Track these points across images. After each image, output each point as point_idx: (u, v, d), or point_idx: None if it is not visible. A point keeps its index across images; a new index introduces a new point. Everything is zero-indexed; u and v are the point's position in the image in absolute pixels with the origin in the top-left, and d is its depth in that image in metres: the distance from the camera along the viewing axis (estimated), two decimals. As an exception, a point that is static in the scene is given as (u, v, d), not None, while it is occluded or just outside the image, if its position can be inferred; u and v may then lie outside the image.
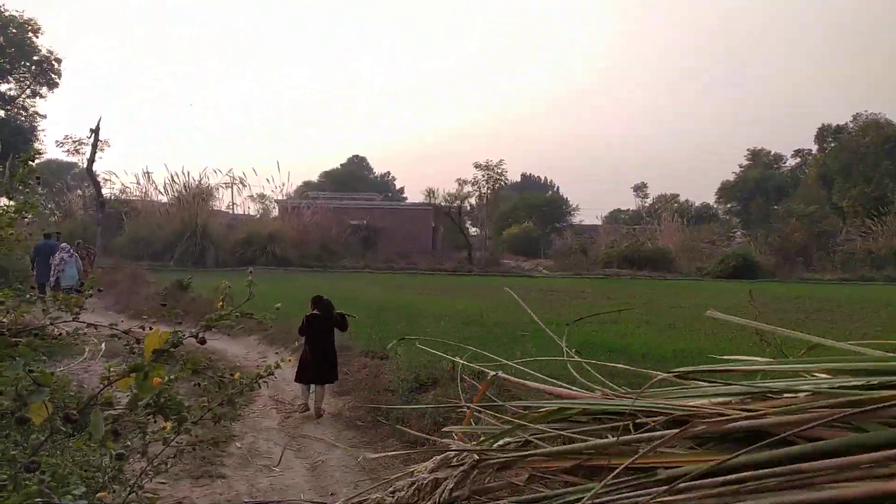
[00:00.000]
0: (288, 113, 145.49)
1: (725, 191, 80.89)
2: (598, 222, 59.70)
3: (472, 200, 35.63)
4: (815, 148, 68.07)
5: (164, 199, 33.27)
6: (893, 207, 46.62)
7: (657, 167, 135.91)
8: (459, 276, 28.77)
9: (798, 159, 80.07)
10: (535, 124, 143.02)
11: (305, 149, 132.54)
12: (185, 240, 28.86)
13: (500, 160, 32.58)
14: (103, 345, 8.70)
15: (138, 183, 33.66)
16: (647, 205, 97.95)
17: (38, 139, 41.16)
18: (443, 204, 34.73)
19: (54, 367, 7.66)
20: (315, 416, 5.88)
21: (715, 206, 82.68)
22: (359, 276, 26.12)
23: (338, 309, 6.90)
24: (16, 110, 41.06)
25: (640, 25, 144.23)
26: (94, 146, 29.07)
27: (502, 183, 33.75)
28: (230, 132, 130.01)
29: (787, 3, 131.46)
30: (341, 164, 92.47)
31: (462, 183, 33.38)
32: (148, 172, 33.18)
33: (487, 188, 32.86)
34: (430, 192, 34.23)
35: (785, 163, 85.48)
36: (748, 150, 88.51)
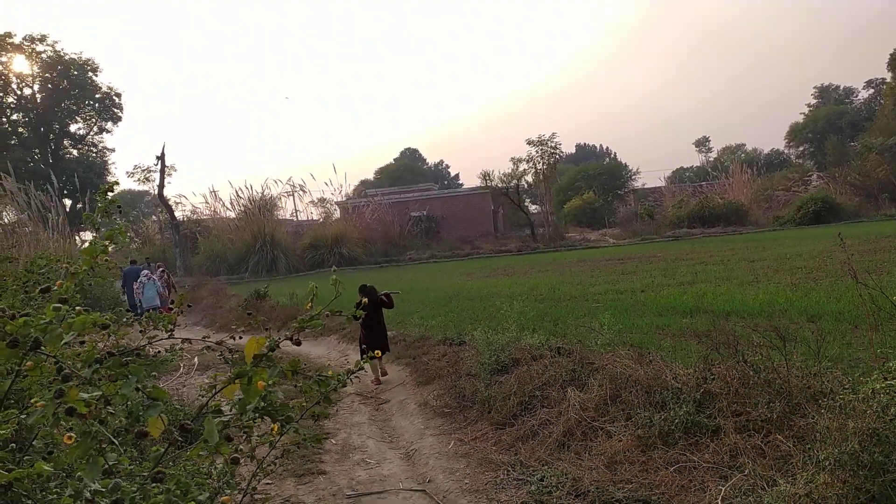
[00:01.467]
0: (338, 112, 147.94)
1: (795, 133, 76.68)
2: (662, 184, 57.84)
3: (529, 178, 35.06)
4: (888, 76, 63.39)
5: (233, 214, 34.59)
6: None
7: (719, 120, 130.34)
8: (525, 254, 28.55)
9: (871, 90, 74.91)
10: (583, 92, 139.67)
11: (359, 148, 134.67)
12: (256, 251, 29.91)
13: (553, 133, 31.96)
14: (196, 359, 9.19)
15: (207, 202, 35.15)
16: (711, 159, 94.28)
17: (110, 172, 43.59)
18: (499, 185, 34.41)
19: (156, 383, 8.09)
20: (382, 377, 7.21)
21: (786, 150, 78.60)
22: (425, 267, 26.36)
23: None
24: (86, 148, 43.48)
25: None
26: (162, 172, 30.51)
27: (557, 156, 33.02)
28: (285, 141, 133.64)
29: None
30: (395, 159, 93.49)
31: (517, 161, 32.93)
32: (214, 191, 34.64)
33: (543, 163, 32.25)
34: (486, 175, 33.94)
35: (857, 96, 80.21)
36: (815, 87, 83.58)
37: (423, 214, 38.22)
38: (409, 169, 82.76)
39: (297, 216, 39.87)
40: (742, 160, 60.47)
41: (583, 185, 52.62)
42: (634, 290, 11.67)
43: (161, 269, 19.17)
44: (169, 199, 33.22)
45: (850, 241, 17.51)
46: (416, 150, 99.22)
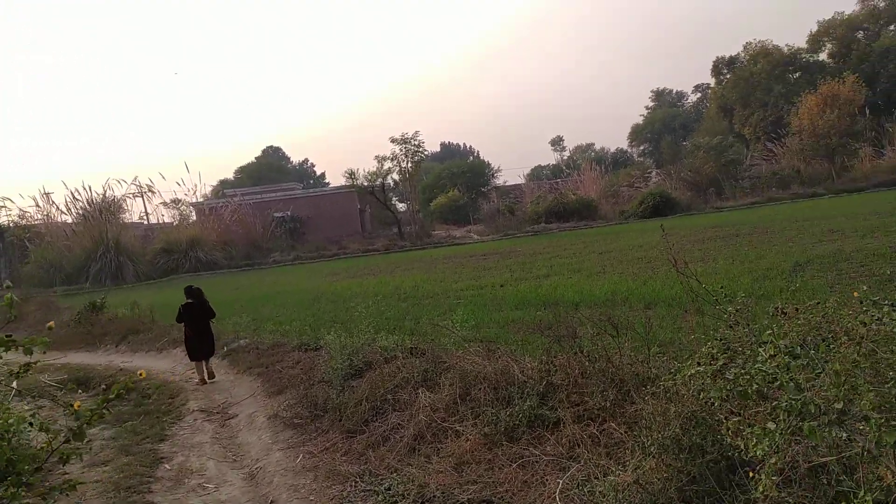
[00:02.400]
0: (189, 104, 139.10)
1: (636, 133, 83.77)
2: (522, 181, 60.58)
3: (395, 176, 35.11)
4: (712, 81, 71.14)
5: (69, 218, 31.18)
6: (790, 129, 49.47)
7: (571, 121, 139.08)
8: (392, 253, 28.52)
9: (699, 94, 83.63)
10: (447, 93, 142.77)
11: (216, 146, 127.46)
12: (98, 258, 27.23)
13: (416, 132, 32.19)
14: (15, 383, 8.09)
15: (37, 205, 31.37)
16: (565, 157, 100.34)
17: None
18: (365, 184, 34.09)
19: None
20: (208, 379, 7.35)
21: (629, 149, 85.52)
22: (290, 269, 25.45)
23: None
24: None
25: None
26: (-22, 172, 26.77)
27: (421, 154, 33.33)
28: (126, 136, 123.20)
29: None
30: (256, 158, 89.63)
31: (381, 160, 32.79)
32: (47, 193, 30.89)
33: (408, 161, 32.40)
34: (351, 174, 33.47)
35: (687, 99, 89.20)
36: (652, 91, 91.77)
37: (287, 215, 36.94)
38: (272, 167, 79.82)
39: (147, 219, 36.87)
40: (592, 158, 65.01)
41: (448, 183, 53.71)
42: (494, 284, 11.99)
43: None
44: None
45: (682, 231, 19.35)
46: (279, 149, 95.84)
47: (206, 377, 7.36)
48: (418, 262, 20.23)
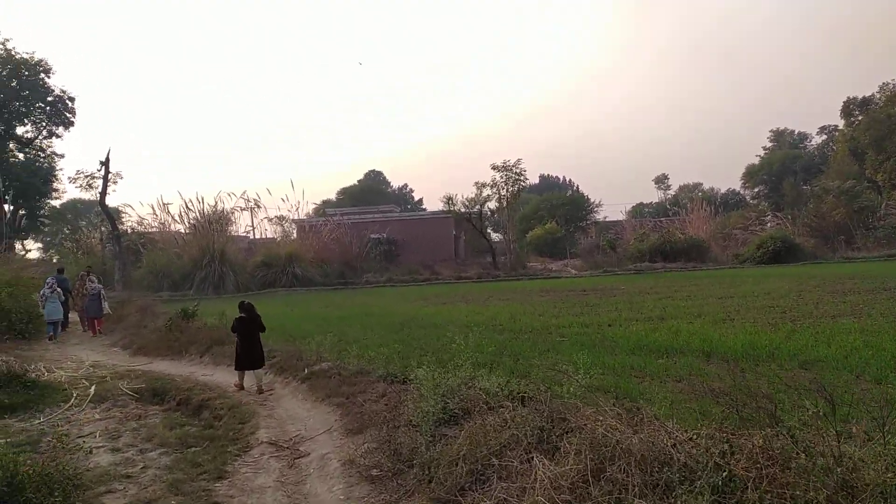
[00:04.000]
0: (302, 130, 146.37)
1: (751, 174, 78.65)
2: (622, 217, 58.20)
3: (492, 204, 34.39)
4: (841, 123, 65.71)
5: (182, 227, 32.72)
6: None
7: (677, 158, 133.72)
8: (485, 282, 27.62)
9: (824, 136, 77.60)
10: (547, 124, 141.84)
11: (322, 167, 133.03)
12: (203, 266, 28.19)
13: (518, 160, 31.31)
14: (93, 388, 7.81)
15: (155, 214, 33.18)
16: (669, 196, 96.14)
17: (57, 179, 41.18)
18: (462, 210, 33.57)
19: (32, 418, 6.79)
20: (258, 392, 7.56)
21: (741, 191, 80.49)
22: (381, 291, 25.13)
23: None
24: (34, 152, 41.03)
25: (646, 14, 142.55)
26: (105, 179, 28.62)
27: (522, 183, 32.40)
28: (243, 154, 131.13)
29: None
30: (358, 181, 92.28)
31: (481, 186, 32.16)
32: (164, 203, 32.62)
33: (507, 189, 31.56)
34: (449, 199, 33.07)
35: (810, 141, 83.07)
36: (771, 131, 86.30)
37: (383, 237, 37.04)
38: (372, 190, 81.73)
39: (252, 233, 38.19)
40: (700, 198, 61.50)
41: (546, 215, 52.43)
42: (601, 323, 10.75)
43: (91, 278, 17.49)
44: (111, 208, 31.24)
45: (814, 281, 17.14)
46: (380, 173, 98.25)
47: (252, 386, 7.72)
48: (513, 293, 19.18)
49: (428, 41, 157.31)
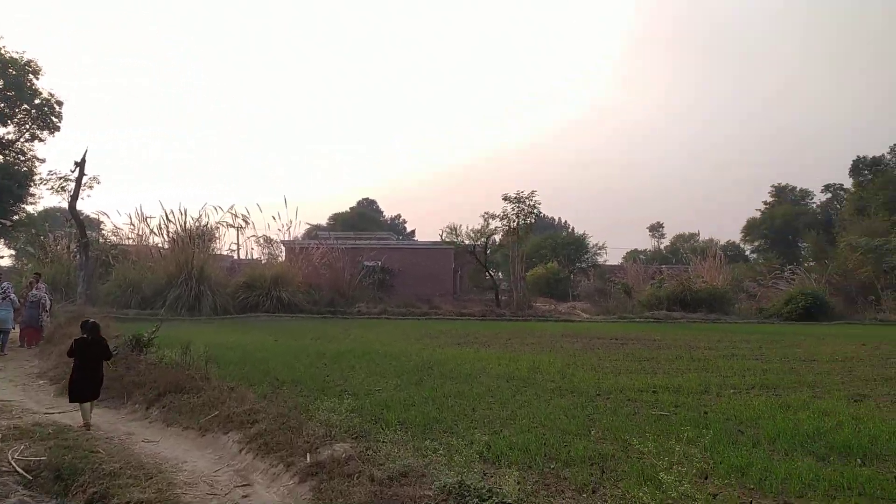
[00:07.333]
0: (296, 151, 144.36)
1: (752, 228, 77.48)
2: (619, 262, 56.29)
3: (497, 237, 32.03)
4: (847, 182, 64.81)
5: (160, 241, 29.81)
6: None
7: (670, 206, 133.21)
8: (490, 321, 24.97)
9: (829, 194, 76.77)
10: (540, 166, 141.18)
11: (314, 192, 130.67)
12: (178, 284, 25.29)
13: (533, 191, 29.04)
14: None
15: (132, 224, 30.26)
16: (664, 245, 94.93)
17: (35, 184, 38.39)
18: (466, 242, 31.10)
19: None
20: (85, 429, 6.42)
21: (741, 244, 79.19)
22: (378, 323, 22.36)
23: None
24: (14, 155, 38.32)
25: (646, 52, 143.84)
26: (79, 182, 25.76)
27: (535, 216, 30.09)
28: (233, 169, 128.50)
29: (799, 30, 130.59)
30: (351, 208, 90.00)
31: (488, 217, 29.78)
32: (143, 214, 29.68)
33: (519, 221, 29.18)
34: (453, 229, 30.62)
35: (812, 198, 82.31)
36: (772, 186, 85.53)
37: (378, 265, 34.39)
38: (364, 218, 79.34)
39: (238, 252, 35.27)
40: (697, 249, 59.65)
41: (548, 254, 50.21)
42: (688, 390, 8.15)
43: (38, 285, 15.02)
44: (83, 215, 28.35)
45: (887, 346, 14.77)
46: (373, 202, 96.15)
47: (86, 423, 6.53)
48: (534, 337, 16.57)
49: (423, 76, 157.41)
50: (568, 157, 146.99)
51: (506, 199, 29.09)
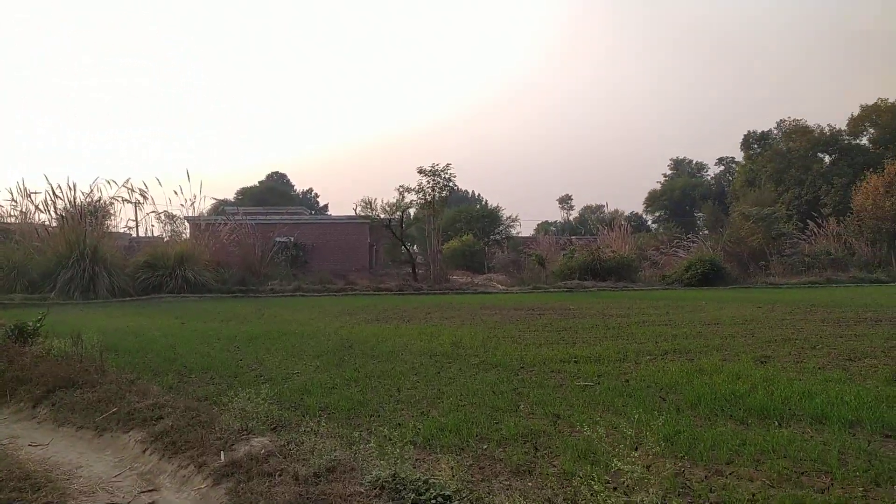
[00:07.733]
0: (198, 121, 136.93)
1: (653, 199, 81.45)
2: (531, 234, 57.66)
3: (412, 211, 31.75)
4: (739, 155, 69.17)
5: (47, 218, 27.26)
6: (827, 210, 46.76)
7: (578, 180, 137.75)
8: (408, 295, 24.83)
9: (722, 167, 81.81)
10: (450, 138, 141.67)
11: (219, 166, 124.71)
12: (70, 265, 23.33)
13: (447, 164, 28.88)
14: None
15: (14, 201, 27.46)
16: (573, 217, 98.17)
17: None
18: (381, 216, 30.62)
19: None
20: None
21: (644, 214, 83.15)
22: (293, 301, 21.63)
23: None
24: None
25: (558, 33, 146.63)
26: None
27: (450, 189, 29.99)
28: (128, 139, 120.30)
29: (694, 16, 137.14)
30: (260, 182, 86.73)
31: (403, 191, 29.38)
32: (27, 189, 26.96)
33: (436, 195, 28.99)
34: (368, 203, 30.00)
35: (707, 171, 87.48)
36: (671, 159, 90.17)
37: (291, 241, 33.30)
38: (275, 192, 76.67)
39: (136, 230, 32.95)
40: (605, 220, 62.09)
41: (463, 227, 50.53)
42: (607, 357, 8.31)
43: None
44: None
45: (781, 308, 15.84)
46: (283, 175, 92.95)
47: None
48: (453, 310, 16.54)
49: (338, 47, 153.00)
50: (480, 133, 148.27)
51: (421, 171, 28.80)
